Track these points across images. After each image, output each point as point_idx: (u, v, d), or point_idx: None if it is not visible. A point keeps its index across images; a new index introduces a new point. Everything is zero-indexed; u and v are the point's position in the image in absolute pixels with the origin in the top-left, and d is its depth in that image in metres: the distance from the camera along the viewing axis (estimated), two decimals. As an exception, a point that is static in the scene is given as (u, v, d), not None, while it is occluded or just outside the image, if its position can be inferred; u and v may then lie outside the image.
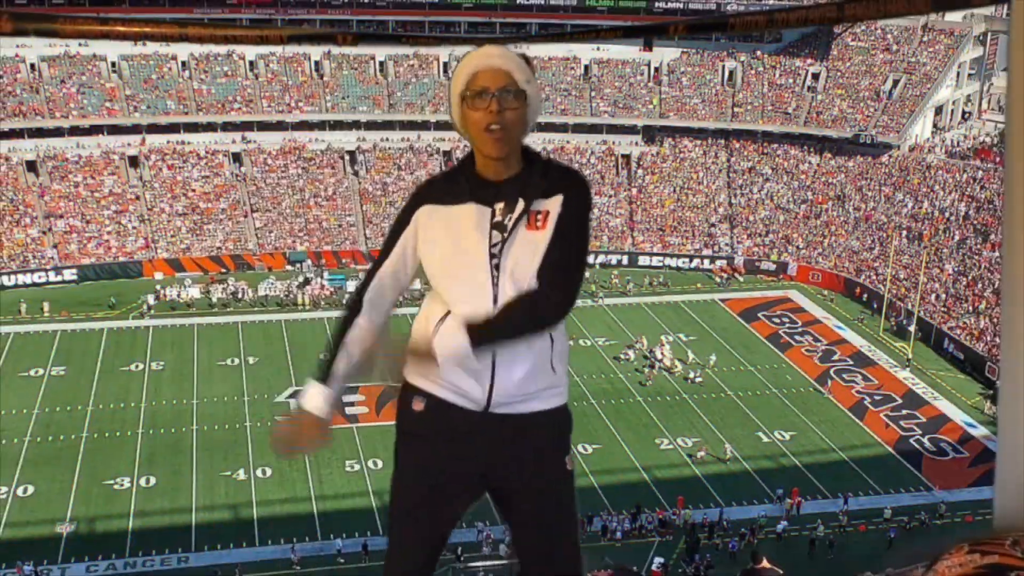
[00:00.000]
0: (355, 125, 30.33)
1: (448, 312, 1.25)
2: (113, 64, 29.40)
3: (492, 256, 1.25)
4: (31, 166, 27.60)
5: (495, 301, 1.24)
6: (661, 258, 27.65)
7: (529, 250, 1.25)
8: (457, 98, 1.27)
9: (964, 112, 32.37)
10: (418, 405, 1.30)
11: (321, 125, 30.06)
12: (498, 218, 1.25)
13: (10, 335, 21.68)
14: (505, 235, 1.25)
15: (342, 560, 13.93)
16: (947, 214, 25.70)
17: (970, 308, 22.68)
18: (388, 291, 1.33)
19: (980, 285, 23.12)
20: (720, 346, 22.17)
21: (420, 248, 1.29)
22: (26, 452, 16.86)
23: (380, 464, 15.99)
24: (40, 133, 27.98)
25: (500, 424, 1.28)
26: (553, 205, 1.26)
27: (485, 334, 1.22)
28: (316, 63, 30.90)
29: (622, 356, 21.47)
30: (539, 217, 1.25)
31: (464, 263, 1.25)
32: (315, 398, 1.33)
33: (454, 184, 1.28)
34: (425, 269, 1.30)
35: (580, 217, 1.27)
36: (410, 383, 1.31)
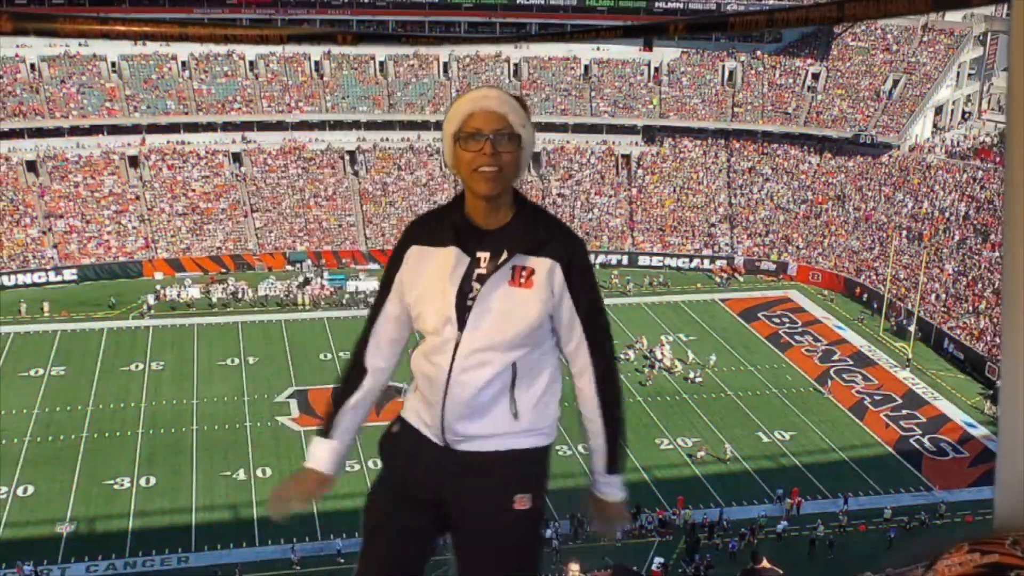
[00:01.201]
0: (355, 125, 30.31)
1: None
2: (113, 64, 29.35)
3: (465, 306, 1.25)
4: (31, 166, 27.57)
5: (455, 348, 1.26)
6: (661, 258, 27.65)
7: (503, 304, 1.26)
8: (450, 138, 1.27)
9: (964, 112, 32.38)
10: (395, 428, 1.35)
11: (321, 125, 30.05)
12: (481, 269, 1.26)
13: (10, 335, 21.66)
14: (481, 287, 1.25)
15: (342, 560, 13.91)
16: (947, 214, 25.70)
17: (970, 308, 22.69)
18: (391, 334, 1.35)
19: (980, 285, 23.11)
20: (720, 346, 22.17)
21: (407, 289, 1.31)
22: (26, 452, 16.86)
23: (380, 464, 16.00)
24: (40, 133, 27.96)
25: (455, 458, 1.30)
26: (541, 266, 1.27)
27: (621, 455, 1.34)
28: (316, 63, 30.88)
29: (622, 356, 21.34)
30: (523, 273, 1.26)
31: (435, 309, 1.26)
32: (317, 453, 1.35)
33: (441, 225, 1.29)
34: (411, 310, 1.31)
35: (588, 274, 1.30)
36: (400, 414, 1.36)
